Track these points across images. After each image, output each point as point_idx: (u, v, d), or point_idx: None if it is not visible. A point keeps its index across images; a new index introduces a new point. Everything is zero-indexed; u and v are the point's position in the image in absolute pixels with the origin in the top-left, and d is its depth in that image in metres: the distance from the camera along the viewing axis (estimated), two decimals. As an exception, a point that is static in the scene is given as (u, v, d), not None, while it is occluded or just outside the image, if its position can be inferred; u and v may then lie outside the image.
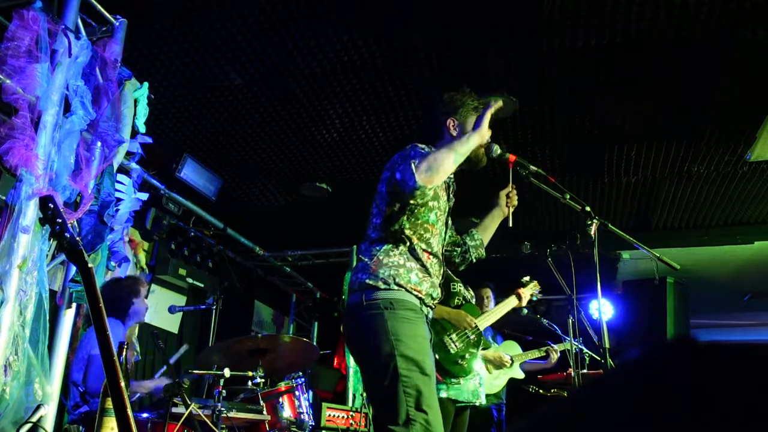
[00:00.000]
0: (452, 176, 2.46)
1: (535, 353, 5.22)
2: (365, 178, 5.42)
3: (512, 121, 4.50)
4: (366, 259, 2.26)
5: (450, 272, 3.36)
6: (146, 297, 3.75)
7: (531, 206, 5.85)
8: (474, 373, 3.41)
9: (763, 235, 6.17)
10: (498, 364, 4.63)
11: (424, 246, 2.28)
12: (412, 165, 2.10)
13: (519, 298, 3.72)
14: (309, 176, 5.50)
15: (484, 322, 3.53)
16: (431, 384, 2.11)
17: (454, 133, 2.41)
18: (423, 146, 2.29)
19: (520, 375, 5.11)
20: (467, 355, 3.37)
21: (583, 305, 6.46)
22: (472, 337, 3.36)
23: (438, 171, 2.12)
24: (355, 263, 2.40)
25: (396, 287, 2.19)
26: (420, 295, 2.22)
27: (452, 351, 3.31)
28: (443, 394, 3.26)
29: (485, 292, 4.81)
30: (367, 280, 2.20)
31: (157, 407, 2.80)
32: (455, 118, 2.43)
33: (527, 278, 3.87)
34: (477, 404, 3.41)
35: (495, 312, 3.66)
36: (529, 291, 3.83)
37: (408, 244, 2.26)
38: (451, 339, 3.33)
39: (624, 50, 3.68)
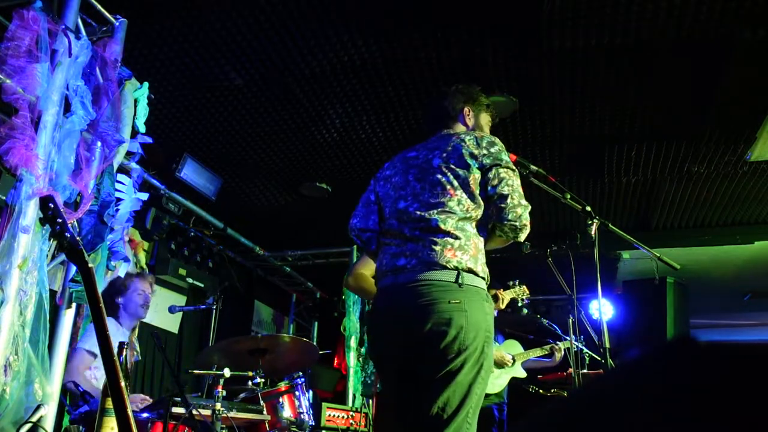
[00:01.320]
0: None
1: (537, 351, 5.22)
2: (365, 178, 5.41)
3: (512, 121, 4.50)
4: (461, 236, 2.04)
5: None
6: (144, 290, 3.70)
7: (531, 206, 5.84)
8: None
9: (763, 235, 6.17)
10: (500, 364, 4.64)
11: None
12: (527, 230, 2.10)
13: (495, 299, 3.72)
14: (309, 176, 5.50)
15: None
16: (486, 387, 2.06)
17: (470, 122, 2.40)
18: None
19: (522, 374, 5.11)
20: None
21: (583, 305, 6.46)
22: None
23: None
24: (421, 232, 2.09)
25: (487, 280, 2.10)
26: None
27: None
28: None
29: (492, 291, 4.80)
30: (468, 262, 2.02)
31: (157, 407, 2.80)
32: (472, 108, 2.42)
33: (514, 282, 3.91)
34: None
35: None
36: (511, 294, 3.86)
37: (486, 236, 2.15)
38: None
39: (624, 50, 3.68)
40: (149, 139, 3.28)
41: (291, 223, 6.64)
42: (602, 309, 2.84)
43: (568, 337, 3.89)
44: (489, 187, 2.09)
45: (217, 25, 3.61)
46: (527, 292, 4.03)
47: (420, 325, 1.98)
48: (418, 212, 2.11)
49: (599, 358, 4.72)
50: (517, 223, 2.05)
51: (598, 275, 2.69)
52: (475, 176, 2.10)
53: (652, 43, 3.60)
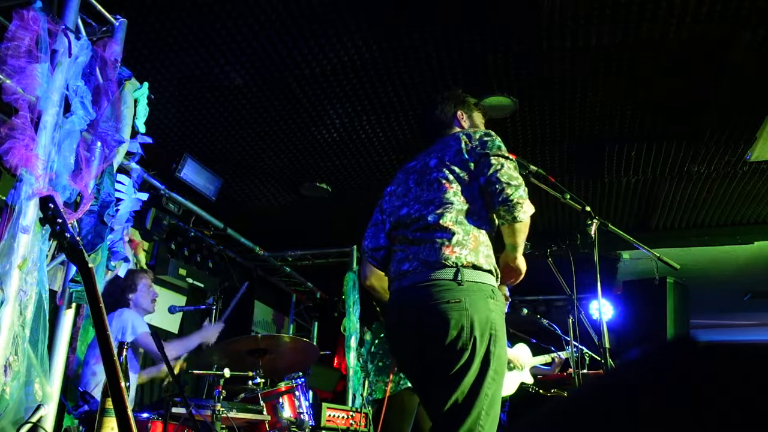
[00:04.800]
0: None
1: (542, 359, 5.23)
2: (365, 178, 5.42)
3: (512, 121, 4.50)
4: (458, 230, 2.00)
5: None
6: (149, 287, 3.81)
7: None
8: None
9: (763, 235, 6.17)
10: (513, 365, 4.68)
11: (493, 232, 2.14)
12: (526, 206, 2.00)
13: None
14: (309, 176, 5.50)
15: None
16: (501, 389, 1.99)
17: (466, 124, 2.42)
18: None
19: (530, 379, 5.12)
20: None
21: (583, 305, 6.46)
22: None
23: (522, 231, 2.07)
24: (421, 231, 2.08)
25: (495, 272, 2.05)
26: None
27: None
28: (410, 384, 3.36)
29: (502, 290, 4.78)
30: (468, 257, 1.96)
31: (157, 407, 2.80)
32: (464, 111, 2.44)
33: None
34: None
35: None
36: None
37: (491, 227, 2.10)
38: None
39: (624, 50, 3.68)
40: (149, 139, 3.28)
41: (291, 223, 6.64)
42: (602, 309, 2.84)
43: (568, 337, 3.90)
44: (481, 177, 2.06)
45: (217, 25, 3.61)
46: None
47: (423, 327, 1.98)
48: (418, 212, 2.11)
49: (599, 358, 4.72)
50: (509, 203, 1.97)
51: (598, 275, 2.69)
52: (470, 169, 2.09)
53: (653, 43, 3.60)
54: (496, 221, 2.12)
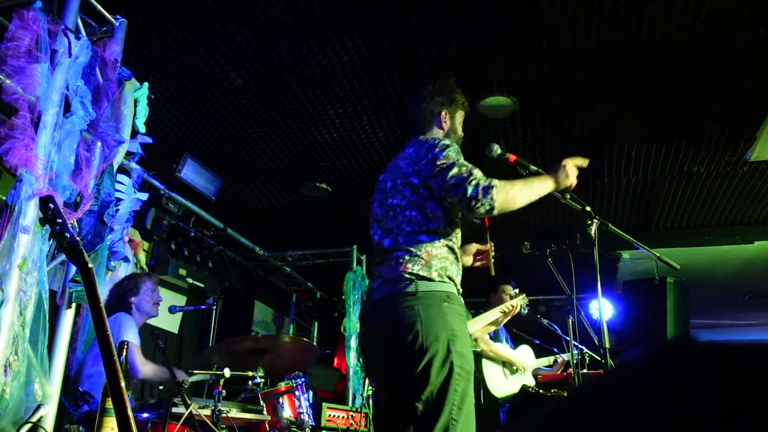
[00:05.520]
0: None
1: (545, 362, 5.23)
2: (365, 178, 5.42)
3: (512, 121, 4.50)
4: (413, 249, 2.18)
5: None
6: (152, 290, 3.78)
7: (531, 206, 5.84)
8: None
9: (763, 235, 6.17)
10: (516, 368, 4.68)
11: (454, 240, 2.27)
12: (493, 191, 2.06)
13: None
14: (309, 176, 5.50)
15: (472, 326, 3.62)
16: (472, 384, 2.12)
17: (446, 126, 2.44)
18: (455, 146, 2.24)
19: (532, 382, 5.12)
20: None
21: (583, 305, 6.46)
22: None
23: (512, 206, 2.15)
24: (382, 255, 2.28)
25: (448, 280, 2.19)
26: (460, 290, 2.24)
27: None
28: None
29: (506, 289, 4.76)
30: (421, 271, 2.14)
31: (157, 407, 2.80)
32: (449, 111, 2.45)
33: (515, 291, 4.01)
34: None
35: (483, 318, 3.77)
36: (518, 302, 3.96)
37: (446, 238, 2.23)
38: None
39: (624, 50, 3.68)
40: (149, 139, 3.27)
41: (291, 223, 6.64)
42: (602, 309, 2.84)
43: (568, 338, 3.91)
44: (436, 188, 2.19)
45: (217, 25, 3.61)
46: (527, 299, 4.11)
47: (385, 337, 2.17)
48: (380, 239, 2.31)
49: (599, 358, 4.72)
50: (472, 205, 2.07)
51: (598, 275, 2.68)
52: (419, 191, 2.23)
53: (652, 43, 3.60)
54: (458, 221, 2.29)
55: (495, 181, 2.10)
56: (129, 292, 3.69)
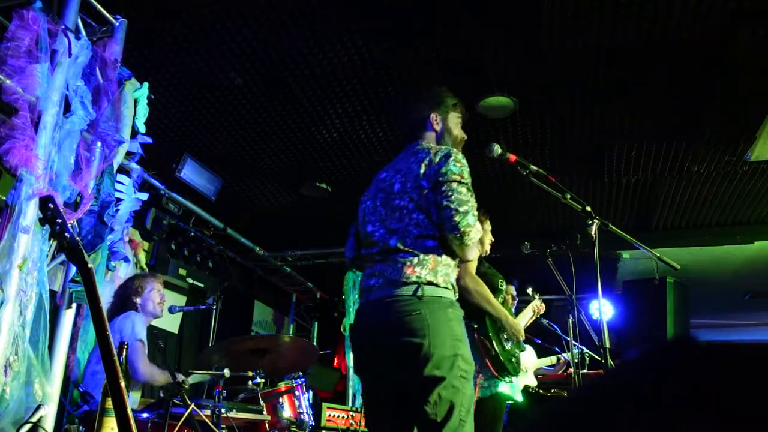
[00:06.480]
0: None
1: (548, 361, 5.23)
2: (365, 178, 5.38)
3: (512, 121, 4.50)
4: (420, 253, 2.19)
5: (494, 268, 3.50)
6: (157, 290, 3.78)
7: (531, 206, 5.85)
8: (521, 372, 3.61)
9: (763, 235, 6.17)
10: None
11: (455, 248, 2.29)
12: (474, 230, 2.15)
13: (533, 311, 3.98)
14: (309, 176, 5.50)
15: (521, 321, 3.75)
16: (473, 388, 2.16)
17: (438, 128, 2.45)
18: (467, 167, 2.27)
19: (534, 382, 5.12)
20: (517, 354, 3.56)
21: (583, 305, 6.47)
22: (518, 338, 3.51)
23: (469, 252, 2.29)
24: (384, 254, 2.26)
25: (450, 287, 2.22)
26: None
27: (507, 348, 3.42)
28: (501, 389, 3.44)
29: (509, 290, 4.79)
30: (428, 276, 2.15)
31: (157, 407, 2.80)
32: (438, 113, 2.46)
33: (530, 290, 4.08)
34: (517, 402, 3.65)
35: (524, 316, 3.89)
36: (539, 303, 4.06)
37: (447, 247, 2.24)
38: (504, 337, 3.46)
39: (624, 50, 3.68)
40: (149, 139, 3.28)
41: (291, 223, 6.64)
42: (602, 309, 2.84)
43: (568, 338, 3.91)
44: (435, 204, 2.21)
45: (217, 25, 3.61)
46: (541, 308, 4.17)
47: (387, 340, 2.14)
48: (383, 237, 2.27)
49: (599, 358, 4.72)
50: (457, 231, 2.13)
51: (598, 275, 2.68)
52: (428, 197, 2.23)
53: (652, 43, 3.60)
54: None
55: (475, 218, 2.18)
56: (133, 293, 3.69)
